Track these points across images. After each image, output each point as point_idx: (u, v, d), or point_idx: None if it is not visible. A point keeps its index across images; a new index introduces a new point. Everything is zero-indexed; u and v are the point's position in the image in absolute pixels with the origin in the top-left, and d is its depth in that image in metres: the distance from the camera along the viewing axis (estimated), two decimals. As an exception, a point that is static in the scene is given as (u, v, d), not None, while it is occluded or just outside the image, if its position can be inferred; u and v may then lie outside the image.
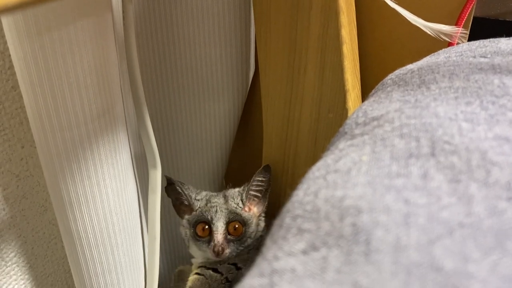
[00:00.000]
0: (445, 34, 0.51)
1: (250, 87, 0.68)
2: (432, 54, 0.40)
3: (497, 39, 0.38)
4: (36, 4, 0.25)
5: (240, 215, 0.57)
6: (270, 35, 0.57)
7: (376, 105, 0.32)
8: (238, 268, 0.58)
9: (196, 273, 0.59)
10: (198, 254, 0.60)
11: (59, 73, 0.40)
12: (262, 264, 0.22)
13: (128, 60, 0.50)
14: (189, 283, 0.58)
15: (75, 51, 0.40)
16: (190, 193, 0.59)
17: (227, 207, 0.57)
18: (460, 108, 0.28)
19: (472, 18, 0.53)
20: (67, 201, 0.46)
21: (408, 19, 0.52)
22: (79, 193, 0.46)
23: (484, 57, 0.34)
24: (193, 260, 0.62)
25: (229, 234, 0.57)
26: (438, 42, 0.51)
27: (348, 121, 0.33)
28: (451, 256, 0.19)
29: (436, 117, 0.27)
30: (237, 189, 0.61)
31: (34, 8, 0.36)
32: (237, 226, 0.57)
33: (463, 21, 0.52)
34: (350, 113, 0.53)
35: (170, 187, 0.60)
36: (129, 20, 0.48)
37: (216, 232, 0.56)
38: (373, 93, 0.37)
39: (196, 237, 0.58)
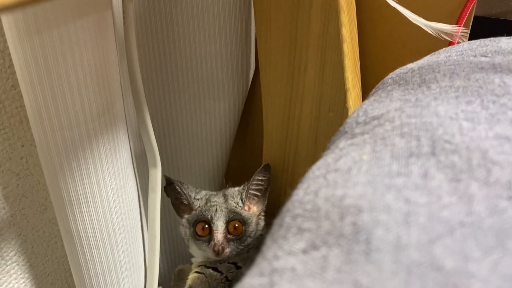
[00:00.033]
0: (446, 33, 0.51)
1: (250, 86, 0.68)
2: (433, 53, 0.40)
3: (498, 38, 0.38)
4: (36, 3, 0.25)
5: (240, 214, 0.57)
6: (270, 33, 0.57)
7: (377, 104, 0.32)
8: (238, 267, 0.58)
9: (196, 272, 0.59)
10: (198, 254, 0.60)
11: (59, 72, 0.40)
12: (262, 264, 0.22)
13: (128, 59, 0.50)
14: (189, 281, 0.58)
15: (75, 49, 0.40)
16: (190, 193, 0.59)
17: (227, 206, 0.57)
18: (460, 107, 0.28)
19: (472, 17, 0.53)
20: (67, 200, 0.46)
21: (409, 18, 0.52)
22: (79, 192, 0.46)
23: (485, 56, 0.34)
24: (193, 260, 0.62)
25: (229, 233, 0.57)
26: (438, 41, 0.51)
27: (348, 120, 0.32)
28: (452, 255, 0.19)
29: (437, 116, 0.27)
30: (236, 188, 0.60)
31: (34, 6, 0.36)
32: (237, 225, 0.57)
33: (464, 20, 0.52)
34: (350, 112, 0.53)
35: (169, 187, 0.60)
36: (129, 19, 0.48)
37: (216, 231, 0.56)
38: (374, 92, 0.37)
39: (196, 236, 0.58)
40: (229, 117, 0.67)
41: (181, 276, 0.63)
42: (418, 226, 0.20)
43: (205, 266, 0.59)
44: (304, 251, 0.21)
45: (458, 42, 0.52)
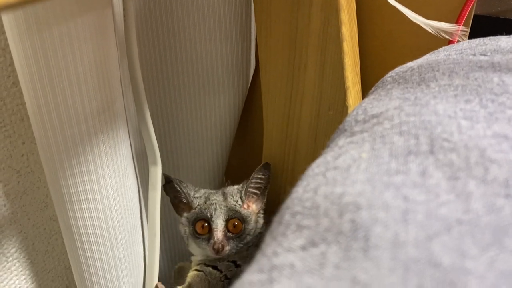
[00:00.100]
0: (446, 32, 0.51)
1: (250, 85, 0.68)
2: (432, 52, 0.40)
3: (497, 37, 0.38)
4: (37, 2, 0.26)
5: (240, 212, 0.57)
6: (270, 32, 0.57)
7: (376, 103, 0.32)
8: (237, 266, 0.58)
9: (196, 270, 0.59)
10: (198, 252, 0.60)
11: (59, 69, 0.40)
12: (261, 260, 0.22)
13: (129, 56, 0.50)
14: (188, 279, 0.58)
15: (75, 47, 0.40)
16: (189, 191, 0.59)
17: (226, 204, 0.58)
18: (459, 106, 0.28)
19: (472, 16, 0.53)
20: (67, 197, 0.47)
21: (409, 17, 0.52)
22: (79, 189, 0.46)
23: (484, 55, 0.34)
24: (192, 258, 0.62)
25: (228, 231, 0.57)
26: (438, 40, 0.51)
27: (348, 119, 0.33)
28: (449, 252, 0.19)
29: (436, 115, 0.27)
30: (236, 187, 0.61)
31: (34, 5, 0.36)
32: (236, 223, 0.57)
33: (464, 19, 0.52)
34: (350, 110, 0.53)
35: (168, 185, 0.60)
36: (129, 17, 0.48)
37: (215, 229, 0.56)
38: (373, 91, 0.37)
39: (195, 234, 0.58)
40: (229, 115, 0.67)
41: (181, 274, 0.63)
42: (416, 224, 0.20)
43: (204, 264, 0.59)
44: (303, 248, 0.21)
45: (458, 41, 0.52)
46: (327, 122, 0.56)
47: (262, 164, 0.60)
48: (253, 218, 0.59)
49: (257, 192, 0.60)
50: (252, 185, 0.59)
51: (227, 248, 0.56)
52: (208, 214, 0.56)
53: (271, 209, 0.62)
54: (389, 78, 0.36)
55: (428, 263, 0.18)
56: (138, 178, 0.58)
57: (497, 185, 0.22)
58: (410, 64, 0.38)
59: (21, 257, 0.57)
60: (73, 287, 0.65)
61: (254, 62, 0.66)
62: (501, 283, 0.18)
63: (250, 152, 0.74)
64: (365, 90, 0.53)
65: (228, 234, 0.57)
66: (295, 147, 0.61)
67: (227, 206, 0.57)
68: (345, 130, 0.31)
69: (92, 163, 0.46)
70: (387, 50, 0.59)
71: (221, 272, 0.58)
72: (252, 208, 0.60)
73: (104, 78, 0.44)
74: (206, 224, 0.57)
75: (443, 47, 0.40)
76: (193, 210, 0.58)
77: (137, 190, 0.56)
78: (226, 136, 0.69)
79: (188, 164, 0.71)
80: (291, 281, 0.20)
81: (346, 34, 0.51)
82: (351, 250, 0.20)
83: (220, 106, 0.66)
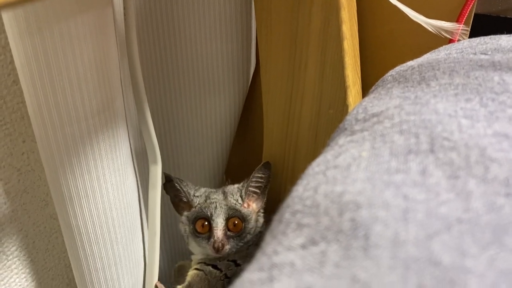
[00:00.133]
0: (446, 31, 0.51)
1: (250, 83, 0.68)
2: (433, 51, 0.40)
3: (498, 36, 0.38)
4: (36, 0, 0.25)
5: (240, 211, 0.57)
6: (271, 31, 0.57)
7: (376, 102, 0.32)
8: (237, 265, 0.58)
9: (196, 269, 0.59)
10: (198, 251, 0.60)
11: (59, 67, 0.40)
12: (261, 259, 0.22)
13: (129, 55, 0.50)
14: (188, 278, 0.58)
15: (75, 45, 0.40)
16: (189, 190, 0.59)
17: (227, 203, 0.58)
18: (459, 105, 0.28)
19: (473, 15, 0.53)
20: (67, 196, 0.47)
21: (409, 16, 0.52)
22: (79, 188, 0.46)
23: (485, 54, 0.34)
24: (192, 257, 0.62)
25: (228, 230, 0.57)
26: (439, 39, 0.51)
27: (348, 117, 0.33)
28: (449, 251, 0.19)
29: (436, 114, 0.27)
30: (236, 185, 0.61)
31: (34, 3, 0.36)
32: (236, 222, 0.57)
33: (464, 18, 0.52)
34: (350, 109, 0.53)
35: (168, 184, 0.60)
36: (130, 15, 0.48)
37: (216, 228, 0.56)
38: (373, 90, 0.37)
39: (195, 233, 0.58)
40: (229, 114, 0.67)
41: (181, 272, 0.63)
42: (416, 223, 0.20)
43: (204, 263, 0.59)
44: (303, 247, 0.21)
45: (458, 40, 0.52)
46: (327, 121, 0.56)
47: (262, 163, 0.60)
48: (253, 217, 0.59)
49: (257, 191, 0.60)
50: (253, 184, 0.59)
51: (227, 247, 0.56)
52: (208, 213, 0.57)
53: (271, 208, 0.62)
54: (389, 77, 0.36)
55: (428, 261, 0.18)
56: (138, 177, 0.58)
57: (498, 184, 0.22)
58: (410, 63, 0.37)
59: (22, 255, 0.57)
60: (73, 285, 0.65)
61: (255, 60, 0.66)
62: (501, 281, 0.18)
63: (251, 151, 0.74)
64: (366, 89, 0.53)
65: (228, 233, 0.57)
66: (295, 146, 0.61)
67: (227, 205, 0.57)
68: (346, 129, 0.31)
69: (92, 162, 0.46)
70: (387, 49, 0.59)
71: (221, 271, 0.58)
72: (252, 207, 0.60)
73: (104, 76, 0.44)
74: (206, 223, 0.57)
75: (444, 46, 0.40)
76: (193, 209, 0.58)
77: (137, 189, 0.56)
78: (227, 134, 0.69)
79: (188, 163, 0.71)
80: (291, 279, 0.20)
81: (346, 33, 0.51)
82: (351, 248, 0.20)
83: (221, 104, 0.66)
